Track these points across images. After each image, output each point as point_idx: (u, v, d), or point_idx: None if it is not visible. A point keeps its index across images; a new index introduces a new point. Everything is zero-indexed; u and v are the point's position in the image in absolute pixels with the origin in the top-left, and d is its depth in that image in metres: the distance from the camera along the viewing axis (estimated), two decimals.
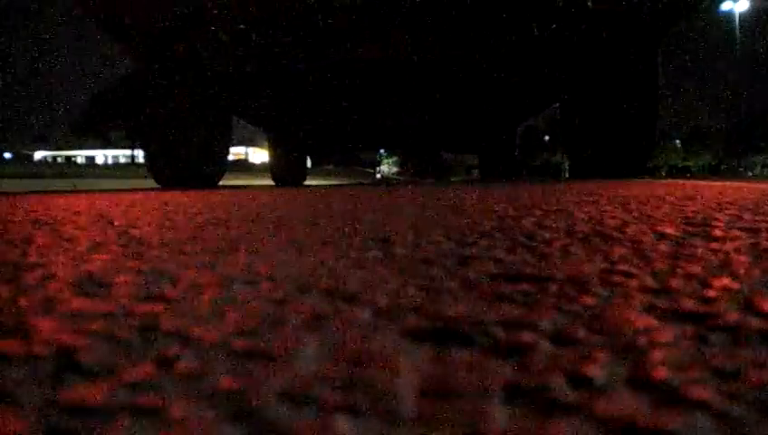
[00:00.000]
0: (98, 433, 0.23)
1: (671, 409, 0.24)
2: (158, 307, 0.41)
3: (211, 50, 3.35)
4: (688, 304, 0.40)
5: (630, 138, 3.85)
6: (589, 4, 2.90)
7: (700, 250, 0.61)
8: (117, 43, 3.61)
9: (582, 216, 1.02)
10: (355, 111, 5.01)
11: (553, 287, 0.45)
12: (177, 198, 2.00)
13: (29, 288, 0.48)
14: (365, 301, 0.42)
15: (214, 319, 0.38)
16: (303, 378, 0.28)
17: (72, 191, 3.21)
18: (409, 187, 3.32)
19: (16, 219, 1.12)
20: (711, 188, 1.90)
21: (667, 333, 0.33)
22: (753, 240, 0.67)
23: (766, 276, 0.48)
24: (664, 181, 3.01)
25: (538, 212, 1.11)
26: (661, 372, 0.28)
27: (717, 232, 0.75)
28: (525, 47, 3.39)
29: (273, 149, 7.69)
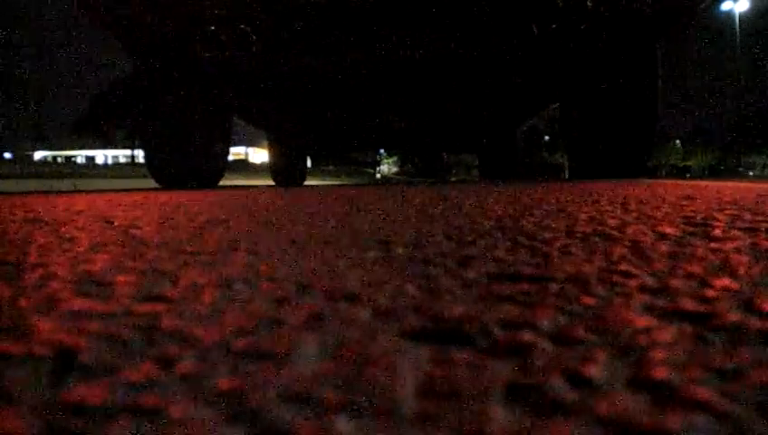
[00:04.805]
0: (98, 433, 0.23)
1: (671, 409, 0.24)
2: (158, 307, 0.41)
3: (211, 49, 3.35)
4: (688, 304, 0.40)
5: (630, 138, 3.84)
6: (588, 4, 2.90)
7: (700, 250, 0.61)
8: (118, 43, 3.62)
9: (582, 216, 1.02)
10: (355, 111, 5.01)
11: (553, 287, 0.45)
12: (177, 197, 2.00)
13: (29, 288, 0.48)
14: (365, 301, 0.42)
15: (214, 319, 0.38)
16: (303, 378, 0.28)
17: (72, 191, 3.21)
18: (409, 187, 3.32)
19: (16, 219, 1.12)
20: (711, 188, 1.90)
21: (667, 333, 0.33)
22: (752, 240, 0.67)
23: (766, 276, 0.48)
24: (664, 181, 3.01)
25: (538, 212, 1.11)
26: (661, 372, 0.28)
27: (717, 232, 0.75)
28: (525, 47, 3.39)
29: (273, 149, 7.68)
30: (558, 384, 0.27)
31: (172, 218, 1.11)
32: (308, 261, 0.59)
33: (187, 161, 3.90)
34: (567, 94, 4.38)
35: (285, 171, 7.75)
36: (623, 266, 0.53)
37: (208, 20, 3.00)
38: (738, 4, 30.83)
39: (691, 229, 0.78)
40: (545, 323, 0.36)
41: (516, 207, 1.24)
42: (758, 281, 0.46)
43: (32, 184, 7.81)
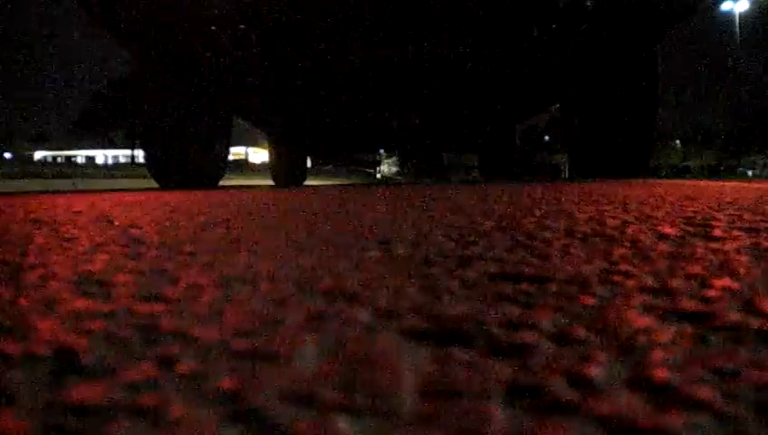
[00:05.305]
0: (98, 433, 0.23)
1: (671, 409, 0.24)
2: (158, 307, 0.41)
3: (211, 50, 3.35)
4: (688, 304, 0.40)
5: (630, 138, 3.84)
6: (588, 4, 2.90)
7: (700, 250, 0.61)
8: (118, 42, 3.61)
9: (582, 216, 1.02)
10: (355, 111, 5.01)
11: (553, 287, 0.45)
12: (177, 197, 2.00)
13: (29, 288, 0.48)
14: (365, 301, 0.42)
15: (214, 319, 0.38)
16: (303, 378, 0.28)
17: (71, 191, 3.21)
18: (409, 187, 3.32)
19: (16, 219, 1.12)
20: (711, 188, 1.90)
21: (667, 333, 0.33)
22: (753, 240, 0.67)
23: (766, 276, 0.48)
24: (664, 181, 3.01)
25: (538, 212, 1.11)
26: (661, 372, 0.28)
27: (717, 232, 0.75)
28: (525, 47, 3.39)
29: (273, 149, 7.68)
30: (558, 384, 0.27)
31: (172, 218, 1.11)
32: (308, 261, 0.59)
33: (187, 161, 3.89)
34: (567, 94, 4.38)
35: (285, 171, 7.75)
36: (623, 266, 0.53)
37: (208, 20, 3.00)
38: (738, 4, 30.86)
39: (691, 229, 0.78)
40: (545, 323, 0.36)
41: (516, 207, 1.24)
42: (758, 281, 0.46)
43: (32, 184, 7.81)
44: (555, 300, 0.42)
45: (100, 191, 3.09)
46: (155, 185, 4.05)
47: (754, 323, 0.35)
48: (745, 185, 2.25)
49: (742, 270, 0.50)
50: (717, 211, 1.03)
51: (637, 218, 0.95)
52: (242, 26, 3.04)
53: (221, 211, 1.29)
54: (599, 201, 1.37)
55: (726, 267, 0.52)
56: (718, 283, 0.46)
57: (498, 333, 0.34)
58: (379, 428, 0.23)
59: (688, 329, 0.34)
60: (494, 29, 3.16)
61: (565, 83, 4.18)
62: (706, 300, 0.41)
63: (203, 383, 0.27)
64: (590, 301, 0.41)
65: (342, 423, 0.23)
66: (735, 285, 0.45)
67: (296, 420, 0.23)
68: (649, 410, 0.24)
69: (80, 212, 1.31)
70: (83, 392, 0.26)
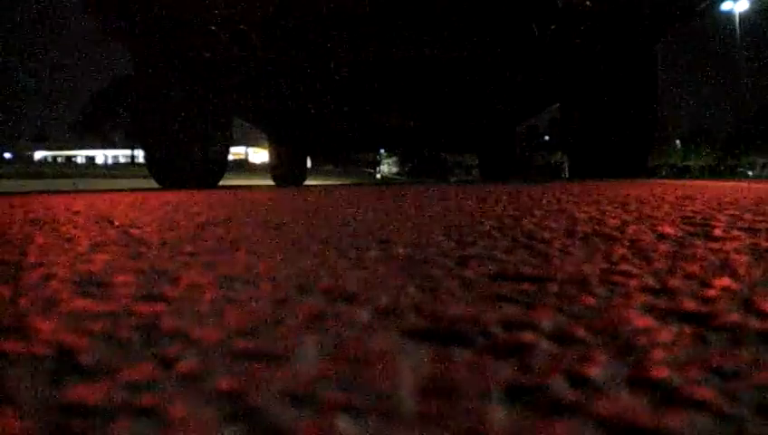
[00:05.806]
0: (98, 433, 0.23)
1: (671, 409, 0.24)
2: (158, 307, 0.41)
3: (211, 50, 3.35)
4: (688, 304, 0.40)
5: (630, 138, 3.85)
6: (588, 4, 2.90)
7: (700, 250, 0.61)
8: (118, 43, 3.61)
9: (582, 216, 1.02)
10: (355, 111, 5.02)
11: (553, 287, 0.45)
12: (177, 197, 2.00)
13: (29, 288, 0.48)
14: (365, 301, 0.42)
15: (214, 319, 0.38)
16: (303, 378, 0.28)
17: (72, 191, 3.21)
18: (409, 187, 3.32)
19: (16, 219, 1.12)
20: (711, 188, 1.90)
21: (667, 333, 0.33)
22: (753, 240, 0.67)
23: (766, 276, 0.48)
24: (664, 181, 3.01)
25: (538, 212, 1.11)
26: (661, 372, 0.28)
27: (717, 232, 0.75)
28: (525, 47, 3.39)
29: (273, 149, 7.69)
30: (558, 384, 0.27)
31: (172, 218, 1.11)
32: (308, 261, 0.59)
33: (187, 161, 3.90)
34: (567, 94, 4.38)
35: (285, 171, 7.76)
36: (623, 266, 0.53)
37: (208, 20, 3.00)
38: (738, 4, 30.88)
39: (691, 229, 0.78)
40: (545, 323, 0.36)
41: (516, 207, 1.24)
42: (758, 281, 0.46)
43: (32, 184, 7.81)
44: (555, 300, 0.42)
45: (101, 191, 3.09)
46: (155, 185, 4.05)
47: (754, 323, 0.35)
48: (745, 185, 2.25)
49: (742, 270, 0.50)
50: (717, 211, 1.03)
51: (637, 218, 0.95)
52: (242, 26, 3.04)
53: (221, 211, 1.29)
54: (599, 201, 1.37)
55: (726, 267, 0.52)
56: (718, 283, 0.46)
57: (498, 333, 0.34)
58: (379, 427, 0.23)
59: (688, 329, 0.34)
60: (493, 29, 3.16)
61: (565, 83, 4.18)
62: (706, 300, 0.41)
63: (203, 383, 0.27)
64: (590, 301, 0.41)
65: (342, 423, 0.23)
66: (735, 285, 0.45)
67: (296, 419, 0.23)
68: (649, 410, 0.24)
69: (79, 212, 1.31)
70: (83, 392, 0.26)
